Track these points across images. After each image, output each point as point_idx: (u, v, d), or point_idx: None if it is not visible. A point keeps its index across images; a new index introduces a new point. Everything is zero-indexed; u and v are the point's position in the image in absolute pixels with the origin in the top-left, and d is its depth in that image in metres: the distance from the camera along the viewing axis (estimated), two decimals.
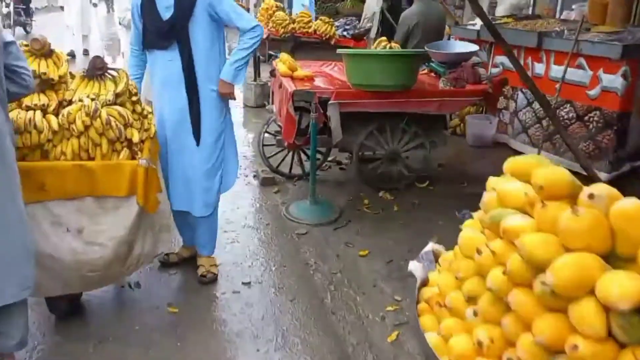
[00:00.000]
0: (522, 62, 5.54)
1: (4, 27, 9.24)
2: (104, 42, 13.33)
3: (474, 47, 4.76)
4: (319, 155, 4.80)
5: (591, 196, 1.47)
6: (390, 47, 4.97)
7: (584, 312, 1.38)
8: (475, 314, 1.73)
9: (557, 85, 5.00)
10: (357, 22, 8.05)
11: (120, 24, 15.86)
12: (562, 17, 6.39)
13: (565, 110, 5.03)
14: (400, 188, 4.73)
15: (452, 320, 1.83)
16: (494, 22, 6.38)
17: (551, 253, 1.46)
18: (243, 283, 3.30)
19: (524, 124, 5.61)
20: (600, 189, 1.48)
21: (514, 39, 5.61)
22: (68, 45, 10.35)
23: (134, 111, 2.66)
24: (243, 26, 2.97)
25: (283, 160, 4.95)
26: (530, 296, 1.52)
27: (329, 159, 5.21)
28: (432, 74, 4.84)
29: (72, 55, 10.23)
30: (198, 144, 3.05)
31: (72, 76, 2.66)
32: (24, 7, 13.85)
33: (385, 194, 4.65)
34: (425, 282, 2.13)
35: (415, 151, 4.63)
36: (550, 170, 1.64)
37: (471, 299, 1.78)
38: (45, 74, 2.45)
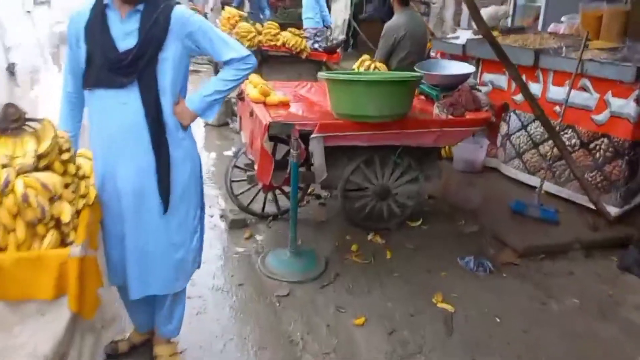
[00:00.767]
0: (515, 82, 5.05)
1: None
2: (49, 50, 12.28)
3: (470, 68, 4.22)
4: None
5: None
6: (375, 68, 4.38)
7: None
8: None
9: (557, 108, 4.53)
10: (328, 31, 7.44)
11: None
12: (549, 30, 5.95)
13: (566, 136, 4.55)
14: (391, 228, 4.14)
15: None
16: (475, 37, 5.91)
17: None
18: None
19: (517, 149, 5.11)
20: None
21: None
22: None
23: (65, 173, 1.96)
24: (232, 57, 2.31)
25: (255, 196, 4.28)
26: None
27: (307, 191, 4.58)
28: (422, 97, 4.27)
29: None
30: (166, 210, 2.36)
31: None
32: None
33: (375, 236, 4.04)
34: None
35: (408, 186, 4.05)
36: None
37: None
38: None
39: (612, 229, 4.15)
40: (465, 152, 5.34)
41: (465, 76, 4.15)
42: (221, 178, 4.45)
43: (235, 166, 4.19)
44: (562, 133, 4.57)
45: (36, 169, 1.83)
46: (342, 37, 6.73)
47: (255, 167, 3.69)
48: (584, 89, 4.38)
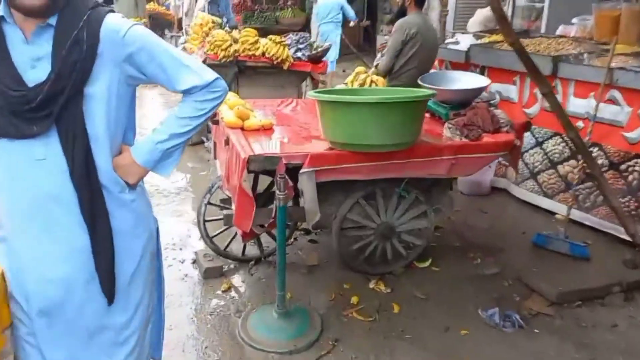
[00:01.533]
0: (527, 93, 4.46)
1: None
2: None
3: (484, 81, 3.59)
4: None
5: None
6: (373, 83, 3.74)
7: None
8: None
9: (580, 124, 3.94)
10: (309, 36, 6.77)
11: None
12: (558, 32, 5.38)
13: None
14: (396, 272, 3.50)
15: None
16: (478, 43, 5.31)
17: None
18: None
19: (531, 168, 4.51)
20: None
21: (513, 63, 4.50)
22: None
23: None
24: (192, 84, 1.64)
25: (235, 237, 3.60)
26: None
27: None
28: (427, 115, 3.63)
29: None
30: (110, 302, 1.69)
31: None
32: None
33: (378, 283, 3.39)
34: None
35: (415, 222, 3.41)
36: None
37: None
38: None
39: None
40: None
41: (479, 90, 3.54)
42: (195, 210, 3.76)
43: (209, 203, 3.51)
44: None
45: None
46: (327, 43, 6.06)
47: (233, 208, 3.02)
48: (612, 101, 3.79)
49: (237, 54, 5.31)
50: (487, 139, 3.24)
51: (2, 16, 1.48)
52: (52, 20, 1.48)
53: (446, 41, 5.71)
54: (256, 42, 5.35)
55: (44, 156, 1.54)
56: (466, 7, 11.51)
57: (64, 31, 1.48)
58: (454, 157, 3.11)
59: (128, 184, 1.66)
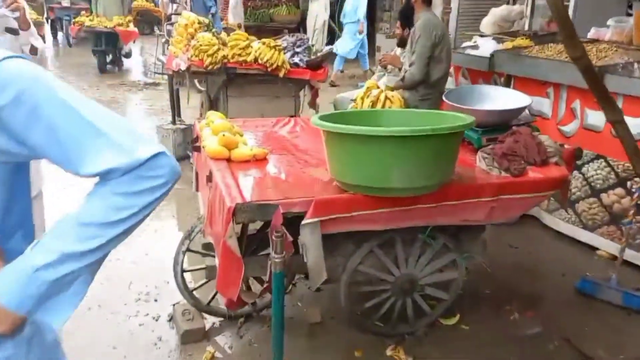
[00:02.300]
0: (563, 108, 3.83)
1: None
2: None
3: (525, 99, 2.95)
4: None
5: None
6: (387, 100, 3.10)
7: None
8: None
9: None
10: (306, 37, 6.11)
11: None
12: (590, 36, 4.74)
13: None
14: (418, 333, 2.87)
15: None
16: (503, 48, 4.67)
17: None
18: None
19: (568, 196, 3.88)
20: None
21: (547, 73, 3.90)
22: None
23: None
24: (110, 165, 0.95)
25: None
26: None
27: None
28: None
29: None
30: None
31: None
32: None
33: (397, 350, 2.75)
34: None
35: (442, 273, 2.78)
36: None
37: None
38: None
39: None
40: None
41: (519, 111, 2.90)
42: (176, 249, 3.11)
43: (189, 250, 2.86)
44: (634, 181, 3.36)
45: None
46: (328, 47, 5.40)
47: (217, 264, 2.37)
48: None
49: (225, 60, 4.65)
50: (533, 173, 2.61)
51: None
52: None
53: (463, 45, 5.06)
54: (248, 46, 4.69)
55: None
56: (471, 4, 10.89)
57: None
58: (495, 199, 2.47)
59: None
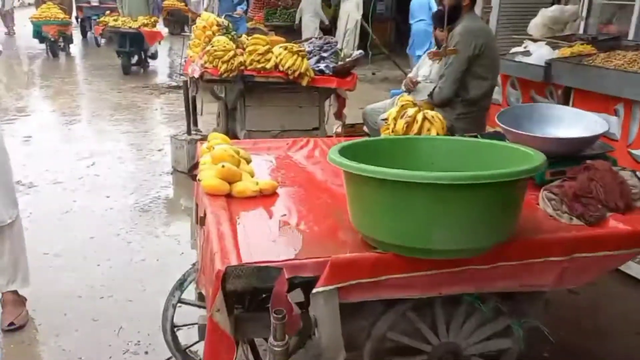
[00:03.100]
0: (636, 128, 3.21)
1: None
2: None
3: (600, 124, 2.35)
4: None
5: None
6: (426, 121, 2.55)
7: None
8: None
9: None
10: (334, 41, 5.57)
11: None
12: None
13: None
14: None
15: None
16: (558, 57, 4.07)
17: None
18: None
19: None
20: None
21: (617, 86, 3.30)
22: None
23: None
24: None
25: None
26: None
27: None
28: None
29: None
30: None
31: None
32: None
33: None
34: None
35: (493, 342, 2.22)
36: None
37: None
38: None
39: None
40: None
41: (594, 138, 2.32)
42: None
43: (180, 301, 2.37)
44: None
45: None
46: (358, 52, 4.87)
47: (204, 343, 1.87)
48: None
49: (242, 67, 4.17)
50: (615, 222, 2.02)
51: None
52: None
53: (512, 50, 4.46)
54: (267, 51, 4.20)
55: None
56: (514, 3, 10.14)
57: None
58: (568, 259, 1.90)
59: None
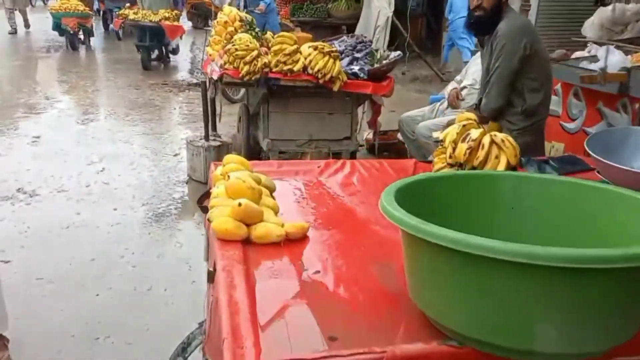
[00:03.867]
0: None
1: None
2: None
3: None
4: None
5: None
6: (494, 144, 2.03)
7: None
8: None
9: None
10: (368, 40, 5.06)
11: None
12: None
13: None
14: None
15: None
16: (634, 66, 3.50)
17: None
18: None
19: None
20: None
21: None
22: None
23: None
24: None
25: None
26: None
27: None
28: None
29: None
30: None
31: None
32: None
33: None
34: None
35: None
36: None
37: None
38: None
39: None
40: None
41: None
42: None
43: None
44: None
45: None
46: (396, 54, 4.35)
47: None
48: None
49: (267, 70, 3.69)
50: None
51: None
52: None
53: (575, 55, 3.89)
54: (295, 51, 3.71)
55: None
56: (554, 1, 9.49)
57: None
58: None
59: None
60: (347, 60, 4.27)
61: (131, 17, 9.67)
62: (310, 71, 3.72)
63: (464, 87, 4.53)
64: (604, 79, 2.94)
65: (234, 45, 3.70)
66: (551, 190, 1.55)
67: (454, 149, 2.10)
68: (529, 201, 1.54)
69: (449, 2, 10.36)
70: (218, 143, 4.74)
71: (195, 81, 9.16)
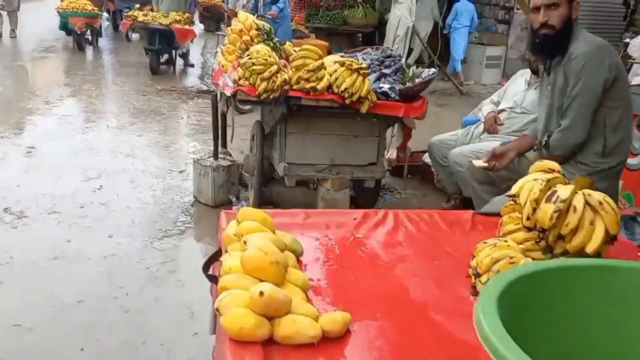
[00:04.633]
0: None
1: None
2: None
3: None
4: None
5: None
6: (589, 206, 1.56)
7: None
8: None
9: None
10: (398, 55, 4.60)
11: None
12: None
13: None
14: None
15: None
16: None
17: None
18: None
19: None
20: None
21: None
22: None
23: None
24: None
25: None
26: None
27: None
28: None
29: None
30: None
31: None
32: None
33: None
34: None
35: None
36: None
37: None
38: None
39: None
40: None
41: None
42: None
43: None
44: None
45: None
46: (431, 71, 3.89)
47: None
48: None
49: (287, 87, 3.24)
50: None
51: None
52: None
53: (636, 82, 3.42)
54: (320, 67, 3.26)
55: None
56: (586, 13, 8.97)
57: None
58: None
59: None
60: (374, 76, 3.82)
61: (140, 18, 9.26)
62: (335, 90, 3.26)
63: (503, 110, 4.07)
64: None
65: (250, 58, 3.24)
66: None
67: (533, 209, 1.64)
68: None
69: (453, 9, 10.31)
70: (228, 163, 4.29)
71: (205, 88, 8.73)
